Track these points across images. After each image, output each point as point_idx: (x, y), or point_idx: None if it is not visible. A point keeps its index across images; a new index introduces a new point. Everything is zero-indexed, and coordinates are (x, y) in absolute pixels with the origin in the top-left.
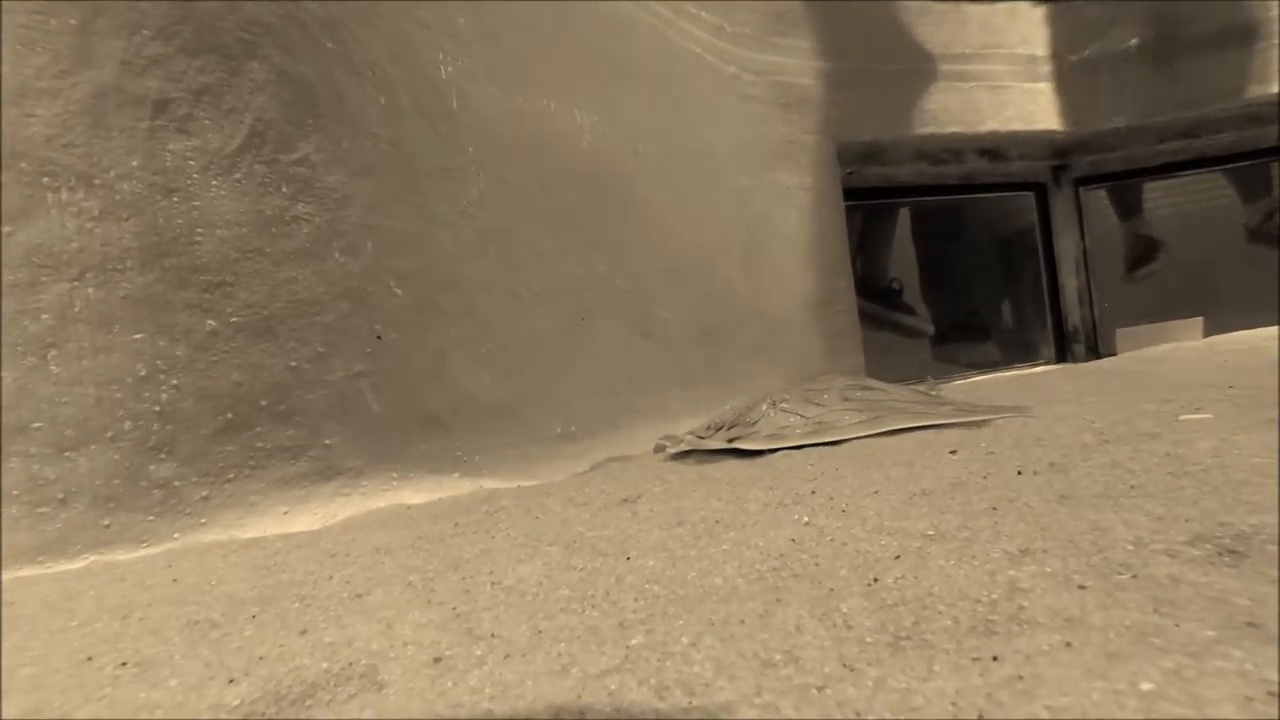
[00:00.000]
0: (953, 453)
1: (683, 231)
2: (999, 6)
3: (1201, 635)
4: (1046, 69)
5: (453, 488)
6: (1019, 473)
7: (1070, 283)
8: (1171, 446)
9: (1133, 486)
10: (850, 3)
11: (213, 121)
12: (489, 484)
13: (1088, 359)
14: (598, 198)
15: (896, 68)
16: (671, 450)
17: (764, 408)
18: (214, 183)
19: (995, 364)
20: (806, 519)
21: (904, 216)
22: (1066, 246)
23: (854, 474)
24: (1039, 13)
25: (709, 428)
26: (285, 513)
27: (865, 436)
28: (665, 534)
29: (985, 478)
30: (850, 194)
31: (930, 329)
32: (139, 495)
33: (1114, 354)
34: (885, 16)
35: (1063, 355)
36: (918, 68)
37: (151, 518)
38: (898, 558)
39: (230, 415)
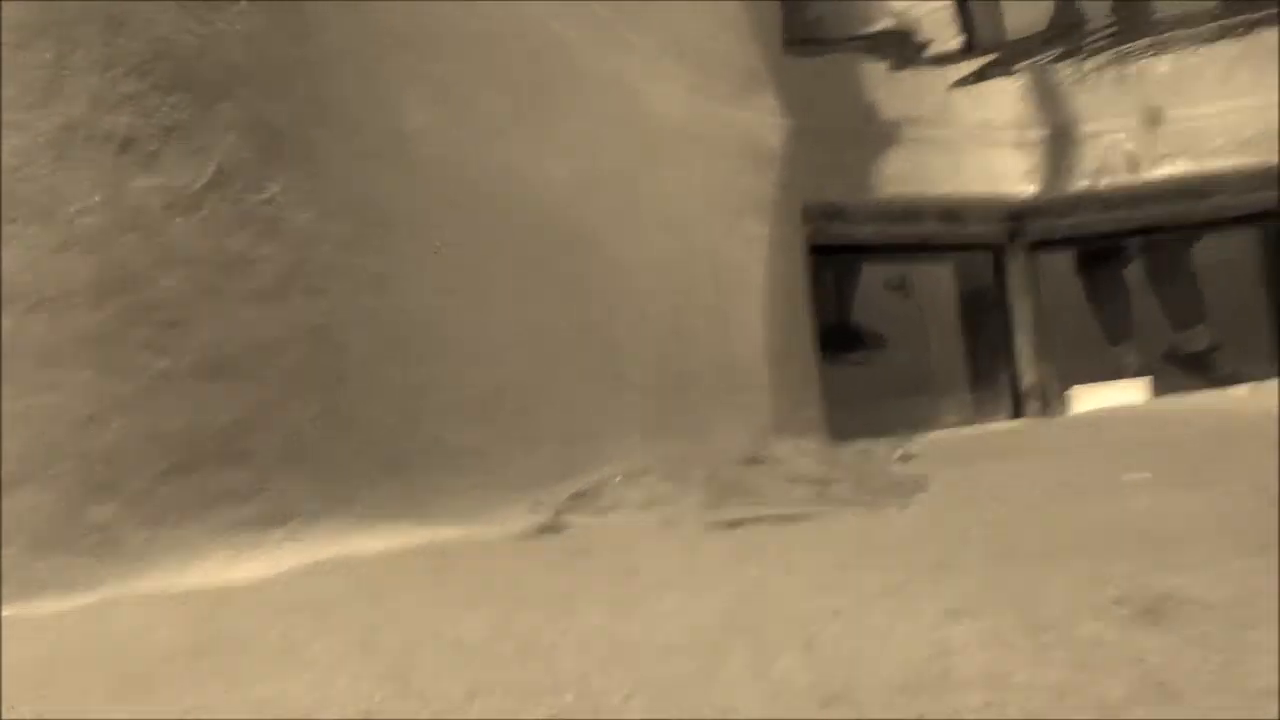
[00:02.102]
0: (902, 509)
1: (649, 281)
2: (960, 77)
3: (1112, 695)
4: (1005, 135)
5: (407, 536)
6: (962, 532)
7: (1025, 342)
8: (1110, 506)
9: (1070, 546)
10: (818, 66)
11: (180, 159)
12: (445, 532)
13: (1043, 416)
14: (566, 246)
15: (860, 130)
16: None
17: (618, 480)
18: (177, 220)
19: (957, 421)
20: (754, 575)
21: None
22: (1021, 307)
23: (802, 530)
24: (997, 83)
25: (574, 496)
26: (229, 558)
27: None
28: (612, 589)
29: (929, 536)
30: (813, 250)
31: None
32: (76, 538)
33: (1067, 412)
34: (850, 81)
35: (1018, 412)
36: (880, 131)
37: (88, 561)
38: (837, 615)
39: (178, 457)
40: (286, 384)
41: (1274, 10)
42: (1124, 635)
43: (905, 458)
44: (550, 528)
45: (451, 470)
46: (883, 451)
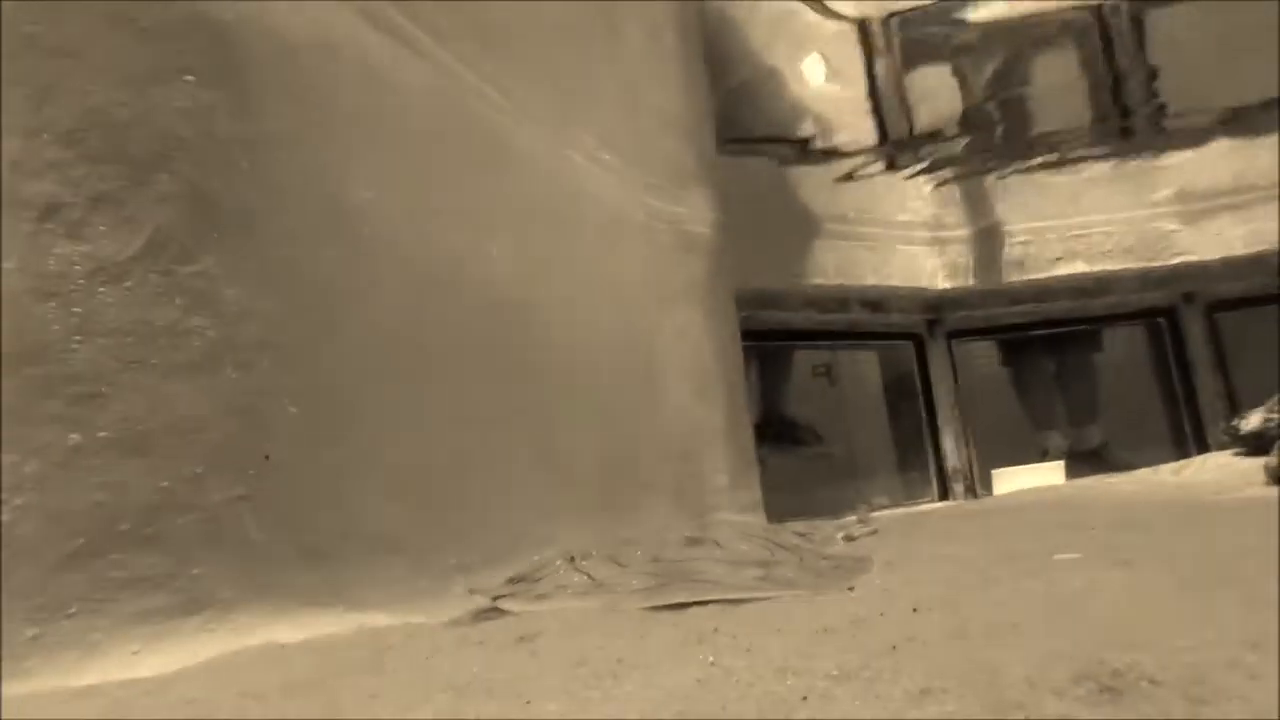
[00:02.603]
0: (850, 589)
1: (587, 363)
2: (878, 179)
3: None
4: (922, 234)
5: (335, 623)
6: (914, 610)
7: (948, 427)
8: (1048, 584)
9: (1018, 624)
10: (748, 163)
11: (108, 229)
12: (376, 619)
13: (966, 497)
14: (505, 327)
15: (788, 223)
16: (471, 603)
17: (558, 563)
18: (100, 290)
19: (888, 503)
20: (711, 659)
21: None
22: (943, 393)
23: (756, 611)
24: (914, 186)
25: (511, 580)
26: (135, 653)
27: (643, 608)
28: (566, 675)
29: (882, 614)
30: (746, 335)
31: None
32: None
33: (989, 493)
34: (778, 179)
35: (944, 493)
36: (807, 225)
37: None
38: (804, 699)
39: (82, 540)
40: (209, 462)
41: (1139, 142)
42: (1090, 713)
43: (847, 538)
44: (489, 614)
45: (379, 555)
46: (823, 533)
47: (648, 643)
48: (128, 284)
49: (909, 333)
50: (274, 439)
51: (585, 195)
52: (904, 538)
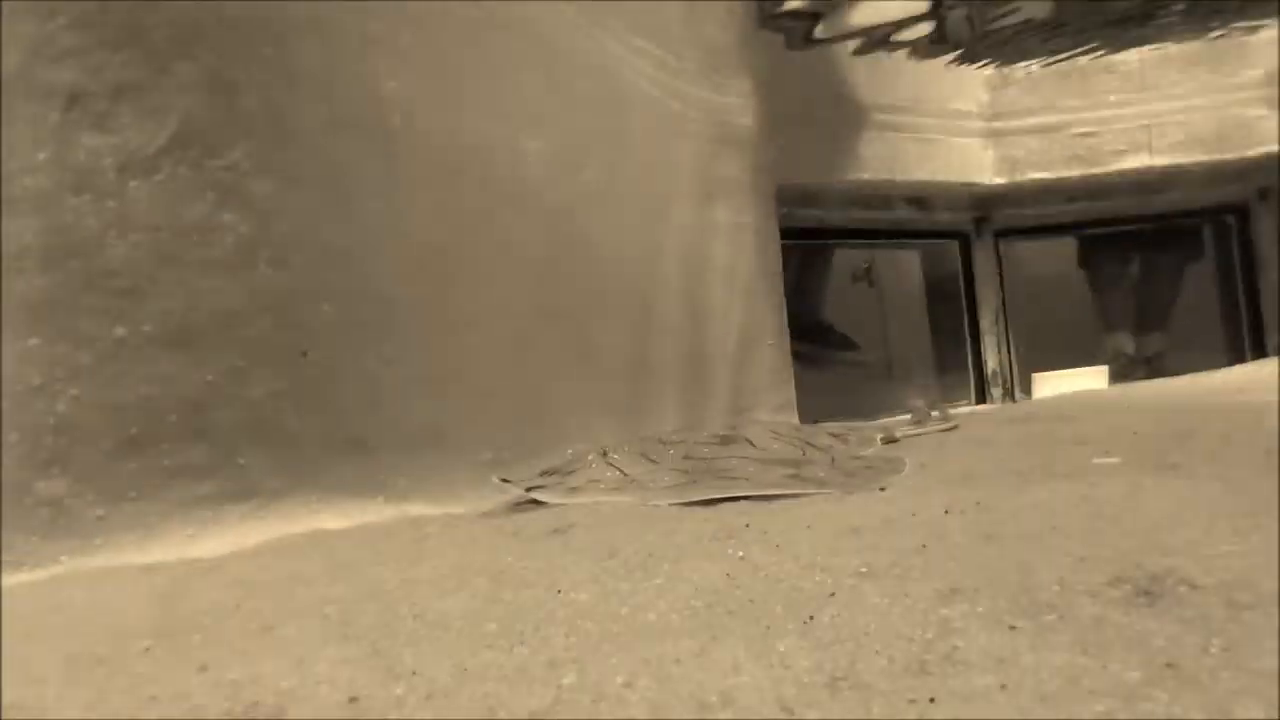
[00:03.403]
0: (882, 489)
1: (622, 261)
2: (931, 63)
3: (1128, 677)
4: (975, 125)
5: (376, 513)
6: (946, 512)
7: (989, 329)
8: (1087, 489)
9: (1053, 528)
10: (791, 51)
11: (133, 120)
12: (415, 510)
13: (1005, 401)
14: (537, 223)
15: (832, 115)
16: (505, 496)
17: (590, 457)
18: (132, 184)
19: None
20: (741, 554)
21: None
22: (986, 294)
23: (786, 508)
24: (969, 71)
25: (544, 473)
26: (190, 535)
27: (674, 504)
28: (597, 566)
29: (914, 515)
30: (784, 234)
31: (867, 360)
32: (23, 514)
33: (1029, 397)
34: (824, 66)
35: (982, 397)
36: (852, 116)
37: (37, 539)
38: (832, 595)
39: (135, 430)
40: (248, 357)
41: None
42: (1125, 617)
43: (887, 439)
44: (523, 505)
45: (418, 448)
46: (860, 434)
47: (678, 537)
48: (158, 178)
49: (956, 231)
50: (311, 336)
51: (620, 84)
52: (938, 442)
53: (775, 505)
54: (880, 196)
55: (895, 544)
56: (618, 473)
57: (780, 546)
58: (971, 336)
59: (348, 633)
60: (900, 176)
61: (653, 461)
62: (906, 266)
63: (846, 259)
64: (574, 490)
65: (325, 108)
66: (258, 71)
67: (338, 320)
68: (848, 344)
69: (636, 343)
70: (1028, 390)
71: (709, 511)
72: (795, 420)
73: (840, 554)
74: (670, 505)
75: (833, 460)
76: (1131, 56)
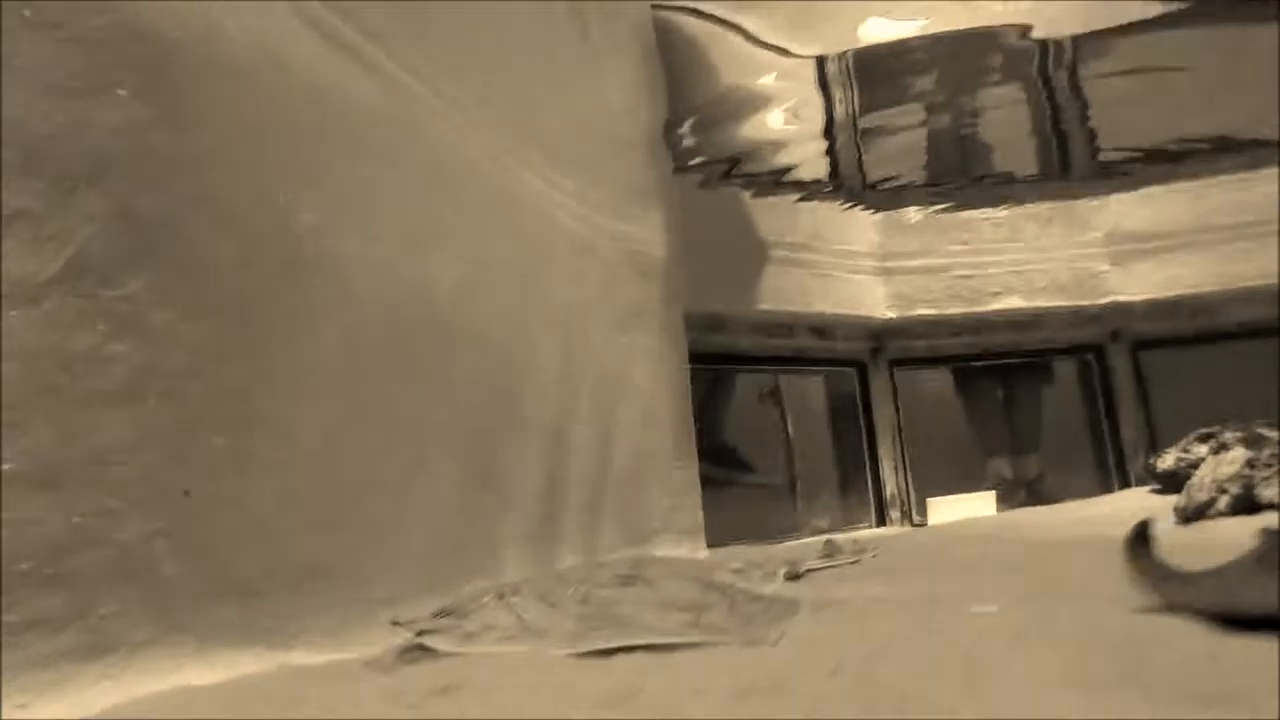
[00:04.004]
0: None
1: (531, 384)
2: (828, 208)
3: None
4: (868, 264)
5: (252, 663)
6: (835, 666)
7: (887, 453)
8: (967, 644)
9: (928, 698)
10: (699, 191)
11: (24, 248)
12: (297, 658)
13: (902, 523)
14: (445, 349)
15: (740, 249)
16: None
17: (487, 599)
18: (13, 313)
19: (826, 527)
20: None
21: None
22: (882, 419)
23: (682, 665)
24: (864, 215)
25: (438, 614)
26: (22, 706)
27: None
28: None
29: (801, 675)
30: (694, 358)
31: (768, 481)
32: None
33: (923, 520)
34: (734, 205)
35: (882, 519)
36: (758, 251)
37: None
38: None
39: None
40: (124, 496)
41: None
42: None
43: (791, 575)
44: (412, 652)
45: (306, 588)
46: (760, 570)
47: (569, 696)
48: (45, 306)
49: (854, 360)
50: (197, 471)
51: (534, 213)
52: (833, 575)
53: (675, 657)
54: (783, 325)
55: (788, 707)
56: (515, 618)
57: (671, 709)
58: (871, 460)
59: None
60: (801, 308)
61: (551, 605)
62: (812, 390)
63: (753, 383)
64: (469, 637)
65: (237, 239)
66: (169, 203)
67: (228, 454)
68: (747, 466)
69: (547, 469)
70: (923, 513)
71: (606, 667)
72: (702, 543)
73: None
74: (566, 655)
75: (732, 604)
76: (1002, 211)
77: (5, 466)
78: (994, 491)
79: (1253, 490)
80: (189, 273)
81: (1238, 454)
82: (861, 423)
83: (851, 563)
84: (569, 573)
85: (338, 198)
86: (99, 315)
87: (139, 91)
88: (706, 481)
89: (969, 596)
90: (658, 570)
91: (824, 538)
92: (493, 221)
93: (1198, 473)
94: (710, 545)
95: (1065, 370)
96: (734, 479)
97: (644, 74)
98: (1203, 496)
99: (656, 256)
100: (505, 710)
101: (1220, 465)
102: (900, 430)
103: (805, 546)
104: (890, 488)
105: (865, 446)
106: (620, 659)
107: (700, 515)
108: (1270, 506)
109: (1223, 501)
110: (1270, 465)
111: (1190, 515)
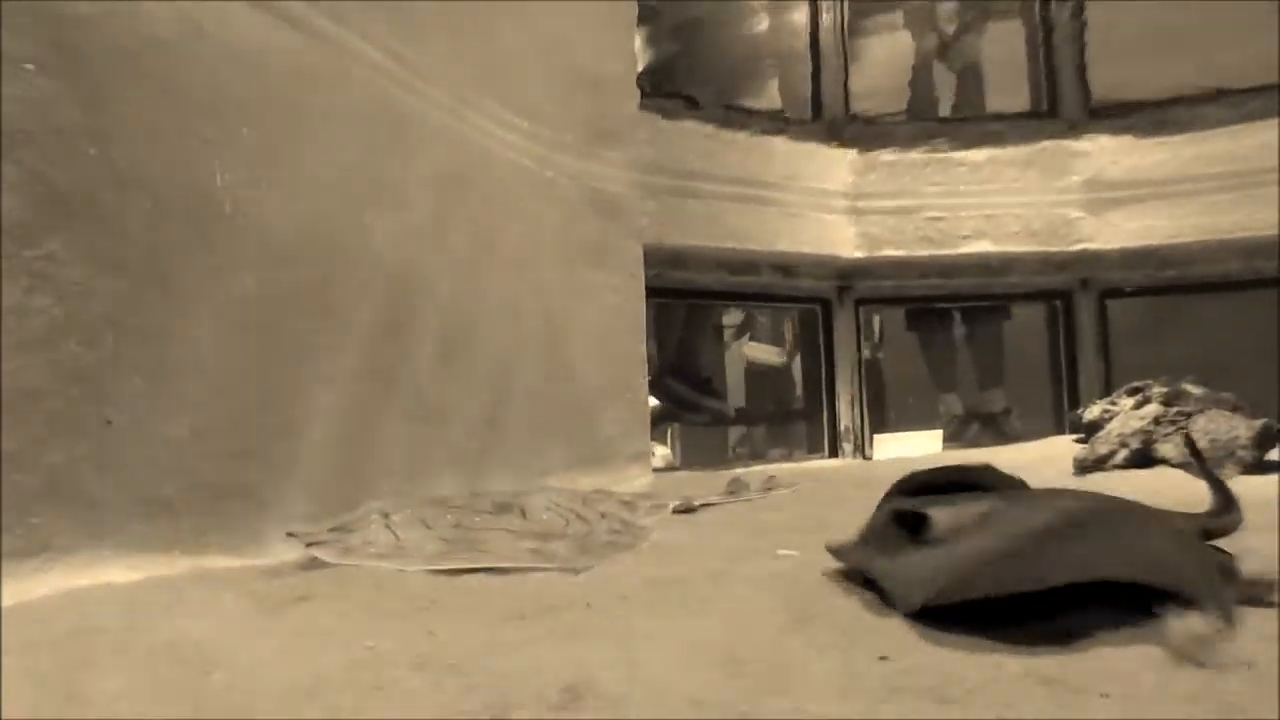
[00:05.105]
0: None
1: (477, 323)
2: (802, 145)
3: None
4: (839, 203)
5: (169, 566)
6: (588, 605)
7: (845, 390)
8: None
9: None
10: (667, 124)
11: None
12: (214, 562)
13: (856, 456)
14: (379, 294)
15: (705, 186)
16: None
17: (373, 518)
18: None
19: (781, 455)
20: (430, 628)
21: None
22: (843, 356)
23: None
24: (838, 153)
25: (333, 529)
26: None
27: (430, 570)
28: (290, 638)
29: (589, 605)
30: (657, 293)
31: (731, 412)
32: None
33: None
34: (698, 140)
35: (835, 451)
36: (724, 189)
37: None
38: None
39: None
40: (50, 428)
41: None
42: None
43: (683, 509)
44: (313, 562)
45: (224, 505)
46: (652, 503)
47: (384, 615)
48: None
49: (819, 298)
50: (118, 406)
51: (491, 161)
52: (721, 511)
53: (496, 580)
54: (748, 263)
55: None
56: (392, 536)
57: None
58: (828, 395)
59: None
60: (765, 246)
61: (427, 527)
62: (787, 325)
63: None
64: (349, 550)
65: (149, 201)
66: (80, 171)
67: (146, 391)
68: (720, 394)
69: (487, 399)
70: (871, 448)
71: (448, 585)
72: (649, 470)
73: (493, 640)
74: (421, 572)
75: (589, 532)
76: (981, 154)
77: None
78: (940, 430)
79: (1151, 446)
80: (103, 233)
81: (1149, 410)
82: (824, 360)
83: (746, 500)
84: (453, 498)
85: (258, 159)
86: (22, 273)
87: (46, 67)
88: (682, 405)
89: (787, 543)
90: (536, 499)
91: (758, 469)
92: (446, 172)
93: (1108, 426)
94: (681, 468)
95: (1034, 315)
96: (707, 406)
97: (614, 9)
98: (1104, 450)
99: (617, 193)
100: (340, 616)
101: (1129, 420)
102: (861, 366)
103: (749, 474)
104: (845, 422)
105: (824, 382)
106: (465, 578)
107: (648, 443)
108: (1165, 462)
109: (1121, 455)
110: (1175, 423)
111: (1089, 467)
